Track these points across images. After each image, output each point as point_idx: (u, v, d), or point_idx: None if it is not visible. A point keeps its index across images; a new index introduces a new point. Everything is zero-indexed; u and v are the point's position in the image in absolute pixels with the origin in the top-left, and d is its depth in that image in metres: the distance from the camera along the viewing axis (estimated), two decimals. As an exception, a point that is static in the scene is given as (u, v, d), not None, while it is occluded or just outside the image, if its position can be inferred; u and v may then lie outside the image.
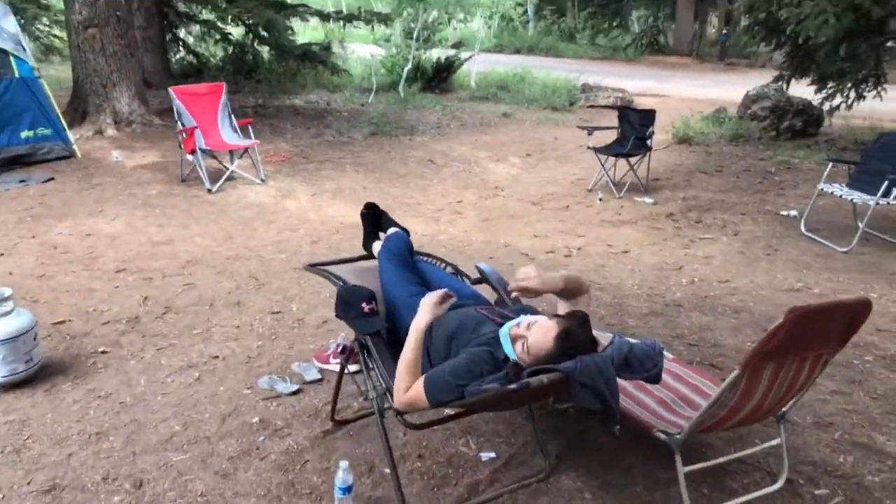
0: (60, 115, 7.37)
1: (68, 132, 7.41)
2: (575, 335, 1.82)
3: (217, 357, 3.50)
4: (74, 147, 7.38)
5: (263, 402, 3.08)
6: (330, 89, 12.62)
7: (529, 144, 9.14)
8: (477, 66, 14.00)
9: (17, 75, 6.94)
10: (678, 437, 2.27)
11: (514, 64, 15.74)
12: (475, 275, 2.90)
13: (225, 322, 3.89)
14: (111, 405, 3.06)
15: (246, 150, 6.74)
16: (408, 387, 2.11)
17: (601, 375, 1.77)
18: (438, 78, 13.11)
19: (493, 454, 2.70)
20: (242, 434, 2.85)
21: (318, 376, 3.29)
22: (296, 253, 4.98)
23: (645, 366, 1.85)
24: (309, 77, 12.56)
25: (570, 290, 2.28)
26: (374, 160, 7.89)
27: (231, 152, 6.82)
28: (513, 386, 1.73)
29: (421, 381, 2.08)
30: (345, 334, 3.57)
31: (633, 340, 2.05)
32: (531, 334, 1.84)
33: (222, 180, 6.53)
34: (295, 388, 3.18)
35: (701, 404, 2.57)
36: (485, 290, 2.81)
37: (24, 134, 7.01)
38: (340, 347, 3.40)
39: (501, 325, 2.07)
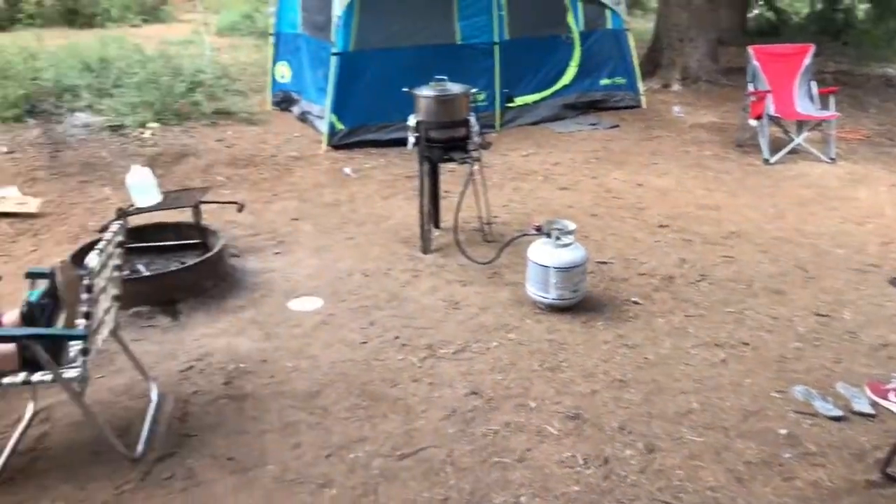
0: (637, 67, 7.80)
1: (639, 83, 7.82)
2: None
3: (747, 344, 3.22)
4: (641, 98, 7.77)
5: (795, 415, 2.69)
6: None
7: None
8: None
9: (608, 27, 7.56)
10: None
11: None
12: None
13: (761, 308, 3.55)
14: (635, 357, 3.12)
15: (819, 122, 5.98)
16: None
17: None
18: None
19: None
20: (765, 441, 2.54)
21: (871, 410, 2.70)
22: (859, 251, 4.21)
23: None
24: (910, 42, 10.44)
25: None
26: None
27: (800, 123, 6.14)
28: None
29: None
30: (917, 371, 2.84)
31: None
32: None
33: (783, 152, 5.96)
34: (838, 413, 2.68)
35: None
36: None
37: (603, 81, 7.66)
38: (909, 386, 2.72)
39: None
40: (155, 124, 6.86)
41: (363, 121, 6.28)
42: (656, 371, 3.00)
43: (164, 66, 7.75)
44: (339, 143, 6.27)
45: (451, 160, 4.10)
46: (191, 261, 3.89)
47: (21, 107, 6.88)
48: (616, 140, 6.69)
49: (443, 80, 4.08)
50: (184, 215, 4.29)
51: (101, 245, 2.37)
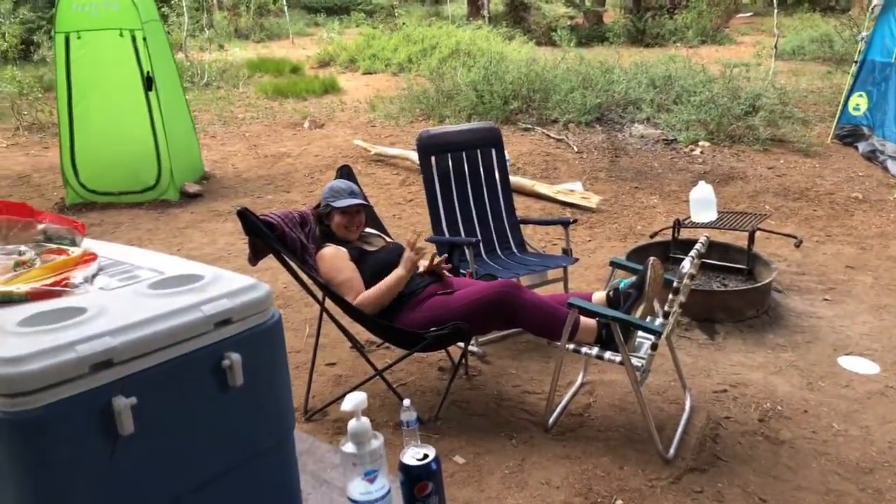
0: None
1: None
2: None
3: None
4: None
5: None
6: None
7: None
8: None
9: None
10: None
11: None
12: None
13: None
14: None
15: None
16: None
17: None
18: None
19: None
20: None
21: None
22: None
23: None
24: None
25: None
26: None
27: None
28: None
29: None
30: None
31: None
32: None
33: None
34: None
35: None
36: None
37: None
38: None
39: None
40: (705, 143, 7.00)
41: (960, 169, 5.20)
42: None
43: (724, 87, 7.81)
44: (918, 190, 5.34)
45: None
46: (734, 284, 3.84)
47: (593, 114, 7.86)
48: None
49: None
50: (724, 236, 4.27)
51: (692, 253, 2.48)
